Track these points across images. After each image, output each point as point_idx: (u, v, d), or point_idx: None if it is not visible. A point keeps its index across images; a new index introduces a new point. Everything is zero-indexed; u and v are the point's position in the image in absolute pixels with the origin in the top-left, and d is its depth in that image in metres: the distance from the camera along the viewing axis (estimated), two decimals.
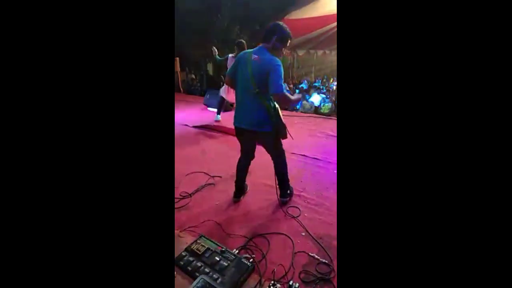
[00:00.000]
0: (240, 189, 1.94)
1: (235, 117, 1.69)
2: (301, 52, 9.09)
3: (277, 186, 1.87)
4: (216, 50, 3.79)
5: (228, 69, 1.69)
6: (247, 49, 3.58)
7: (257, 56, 1.52)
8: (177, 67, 7.10)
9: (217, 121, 3.83)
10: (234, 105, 4.85)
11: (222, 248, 1.41)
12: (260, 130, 1.61)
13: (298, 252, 1.45)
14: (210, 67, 8.72)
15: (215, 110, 4.10)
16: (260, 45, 1.56)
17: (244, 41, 3.55)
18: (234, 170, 2.48)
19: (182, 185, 2.14)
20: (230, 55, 3.60)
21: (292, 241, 1.53)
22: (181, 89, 7.12)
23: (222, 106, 3.97)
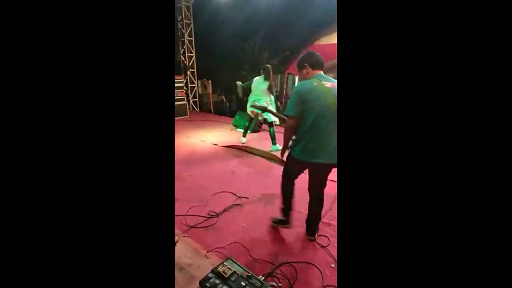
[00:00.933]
0: (290, 214, 1.82)
1: (306, 152, 1.50)
2: (331, 75, 9.16)
3: (307, 221, 1.75)
4: (239, 83, 3.98)
5: (290, 110, 1.49)
6: (273, 74, 3.70)
7: (331, 83, 1.47)
8: (209, 90, 7.52)
9: (243, 143, 3.89)
10: (262, 126, 4.76)
11: (249, 273, 1.38)
12: (334, 162, 1.49)
13: (328, 286, 1.36)
14: (240, 90, 9.10)
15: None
16: (320, 73, 1.52)
17: (270, 66, 3.67)
18: (260, 192, 2.48)
19: (210, 204, 2.18)
20: (255, 78, 3.70)
21: (321, 272, 1.45)
22: (212, 110, 7.47)
23: (247, 129, 4.03)
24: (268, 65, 3.75)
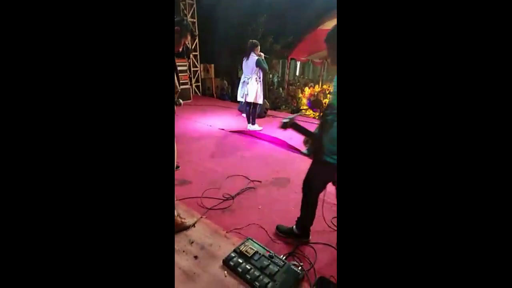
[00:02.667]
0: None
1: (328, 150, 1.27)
2: None
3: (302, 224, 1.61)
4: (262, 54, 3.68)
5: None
6: (260, 50, 3.48)
7: None
8: (212, 74, 7.39)
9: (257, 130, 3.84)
10: (267, 112, 4.68)
11: (270, 252, 1.42)
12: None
13: None
14: (241, 74, 8.94)
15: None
16: None
17: (255, 41, 3.55)
18: (272, 176, 2.50)
19: (223, 187, 2.20)
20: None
21: None
22: (215, 95, 7.37)
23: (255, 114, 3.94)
24: (254, 40, 3.62)
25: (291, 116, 1.44)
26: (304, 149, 1.40)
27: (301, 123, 1.37)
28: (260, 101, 3.74)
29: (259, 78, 3.62)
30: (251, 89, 3.61)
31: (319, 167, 1.35)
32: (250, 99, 3.66)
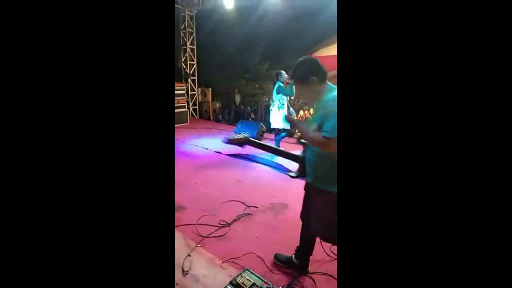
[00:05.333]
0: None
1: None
2: None
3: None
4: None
5: (330, 126, 1.11)
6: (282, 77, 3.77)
7: None
8: (209, 97, 7.57)
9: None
10: (264, 134, 4.80)
11: (268, 284, 1.35)
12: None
13: None
14: (238, 99, 9.16)
15: None
16: (330, 84, 1.26)
17: (281, 71, 3.83)
18: (269, 201, 2.45)
19: (219, 213, 2.14)
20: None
21: None
22: (211, 118, 7.47)
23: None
24: (278, 70, 3.93)
25: (239, 136, 1.47)
26: (293, 171, 1.35)
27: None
28: (276, 125, 3.89)
29: (281, 104, 3.83)
30: (272, 114, 3.88)
31: (313, 195, 1.31)
32: (273, 124, 3.91)
